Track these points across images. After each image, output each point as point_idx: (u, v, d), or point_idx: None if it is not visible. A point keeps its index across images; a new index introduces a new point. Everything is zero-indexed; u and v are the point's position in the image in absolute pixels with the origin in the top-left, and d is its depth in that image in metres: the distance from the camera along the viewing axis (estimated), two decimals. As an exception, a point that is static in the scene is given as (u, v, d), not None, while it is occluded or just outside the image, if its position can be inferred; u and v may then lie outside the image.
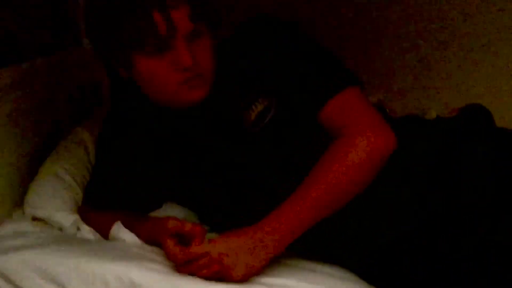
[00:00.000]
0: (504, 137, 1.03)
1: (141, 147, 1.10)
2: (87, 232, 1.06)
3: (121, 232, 1.01)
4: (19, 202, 1.16)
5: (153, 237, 0.97)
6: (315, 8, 1.70)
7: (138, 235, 1.00)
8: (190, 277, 0.88)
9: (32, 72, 1.24)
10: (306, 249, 0.98)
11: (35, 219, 1.10)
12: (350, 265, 0.98)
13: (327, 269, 0.97)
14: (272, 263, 0.91)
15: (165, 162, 1.09)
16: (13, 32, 1.31)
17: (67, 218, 1.08)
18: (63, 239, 1.02)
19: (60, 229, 1.07)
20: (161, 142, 1.09)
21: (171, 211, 1.11)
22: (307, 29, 1.03)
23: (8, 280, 0.93)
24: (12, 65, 1.19)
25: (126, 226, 1.02)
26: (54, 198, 1.14)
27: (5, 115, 1.15)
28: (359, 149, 0.92)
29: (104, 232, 1.04)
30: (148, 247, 0.98)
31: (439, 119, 1.11)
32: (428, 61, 1.73)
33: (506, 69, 1.65)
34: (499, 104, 1.25)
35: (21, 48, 1.33)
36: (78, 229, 1.07)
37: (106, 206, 1.10)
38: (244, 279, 0.88)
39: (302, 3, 1.69)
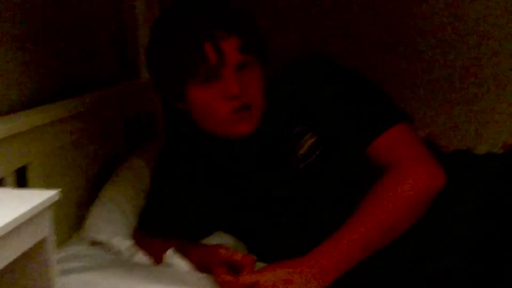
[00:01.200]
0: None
1: (194, 176, 1.14)
2: (142, 257, 1.10)
3: (174, 258, 1.04)
4: (78, 226, 1.23)
5: (204, 264, 0.99)
6: (364, 46, 1.73)
7: (190, 262, 1.03)
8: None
9: (91, 104, 1.32)
10: (353, 284, 0.97)
11: (93, 242, 1.16)
12: None
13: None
14: None
15: (217, 192, 1.12)
16: (75, 64, 1.40)
17: (123, 243, 1.13)
18: (120, 263, 1.06)
19: (117, 253, 1.12)
20: (213, 172, 1.13)
21: (221, 239, 1.14)
22: (355, 66, 1.06)
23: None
24: (73, 98, 1.27)
25: (179, 252, 1.05)
26: (111, 223, 1.19)
27: (67, 144, 1.22)
28: (408, 184, 0.93)
29: (157, 258, 1.07)
30: (200, 274, 1.00)
31: (490, 155, 1.11)
32: (479, 96, 1.71)
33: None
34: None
35: (82, 80, 1.42)
36: (134, 253, 1.11)
37: (160, 232, 1.14)
38: None
39: (350, 41, 1.72)
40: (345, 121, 1.00)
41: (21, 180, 1.05)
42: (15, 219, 0.66)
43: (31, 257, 0.74)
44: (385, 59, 1.72)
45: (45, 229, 0.74)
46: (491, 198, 0.98)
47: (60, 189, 0.73)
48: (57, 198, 0.73)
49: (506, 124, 1.67)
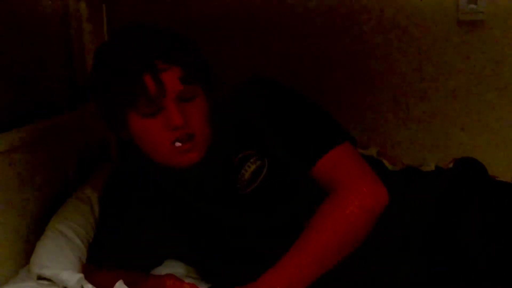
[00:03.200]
0: (498, 187, 1.04)
1: (141, 205, 1.12)
2: (89, 290, 1.07)
3: (123, 291, 1.02)
4: (25, 261, 1.19)
5: None
6: (307, 64, 1.75)
7: None
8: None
9: (39, 133, 1.29)
10: None
11: (40, 278, 1.11)
12: None
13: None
14: None
15: (165, 220, 1.11)
16: (25, 92, 1.37)
17: (72, 277, 1.07)
18: None
19: (65, 288, 1.09)
20: (161, 200, 1.11)
21: (172, 268, 1.12)
22: (298, 85, 1.07)
23: None
24: (20, 127, 1.24)
25: (128, 284, 1.02)
26: (60, 257, 1.15)
27: (12, 176, 1.18)
28: (350, 205, 0.93)
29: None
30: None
31: (437, 171, 1.13)
32: (430, 112, 1.75)
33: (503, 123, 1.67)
34: (493, 157, 1.27)
35: (31, 109, 1.39)
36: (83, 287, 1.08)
37: (109, 264, 1.11)
38: None
39: (292, 59, 1.74)
40: (288, 144, 1.00)
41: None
42: None
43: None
44: (334, 78, 1.74)
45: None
46: (437, 218, 0.99)
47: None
48: None
49: (457, 140, 1.70)
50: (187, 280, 1.00)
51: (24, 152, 1.22)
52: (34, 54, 1.43)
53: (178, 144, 0.98)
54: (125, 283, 1.03)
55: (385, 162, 1.14)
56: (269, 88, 1.05)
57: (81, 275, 1.09)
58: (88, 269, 1.13)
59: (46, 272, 1.10)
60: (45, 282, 1.11)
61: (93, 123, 1.61)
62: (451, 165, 1.13)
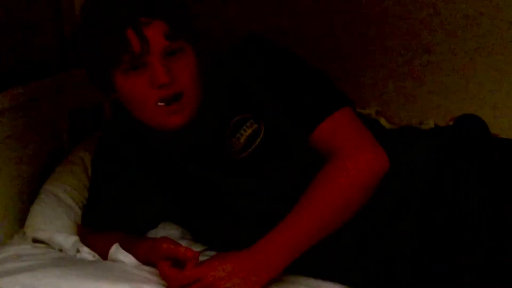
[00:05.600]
0: (499, 145, 1.02)
1: (133, 167, 1.10)
2: (86, 253, 1.06)
3: (119, 254, 1.01)
4: (20, 224, 1.18)
5: (149, 258, 0.97)
6: (304, 24, 1.71)
7: (136, 256, 1.00)
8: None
9: (31, 95, 1.26)
10: (304, 269, 0.97)
11: (36, 241, 1.11)
12: (349, 282, 0.97)
13: (328, 285, 0.97)
14: (273, 281, 0.91)
15: (157, 182, 1.09)
16: (15, 54, 1.33)
17: (67, 240, 1.08)
18: (62, 261, 1.03)
19: (61, 250, 1.08)
20: (153, 162, 1.09)
21: (167, 231, 1.12)
22: (295, 44, 1.03)
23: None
24: (11, 89, 1.21)
25: (124, 247, 1.02)
26: (54, 219, 1.15)
27: (3, 138, 1.16)
28: (350, 171, 0.92)
29: (103, 254, 1.04)
30: (146, 268, 0.98)
31: (436, 129, 1.11)
32: (430, 69, 1.72)
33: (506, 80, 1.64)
34: (496, 114, 1.25)
35: (22, 70, 1.36)
36: (78, 250, 1.07)
37: (104, 227, 1.10)
38: None
39: (288, 18, 1.70)
40: (286, 108, 0.97)
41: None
42: None
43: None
44: (334, 34, 1.70)
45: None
46: (436, 177, 0.98)
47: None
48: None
49: (456, 98, 1.68)
50: (182, 242, 0.99)
51: (15, 114, 1.19)
52: (24, 15, 1.39)
53: (161, 104, 0.94)
54: (121, 246, 1.02)
55: (383, 121, 1.11)
56: (266, 49, 1.01)
57: (77, 237, 1.10)
58: (84, 232, 1.12)
59: (41, 235, 1.11)
60: (40, 245, 1.11)
61: (87, 85, 1.58)
62: (451, 123, 1.11)
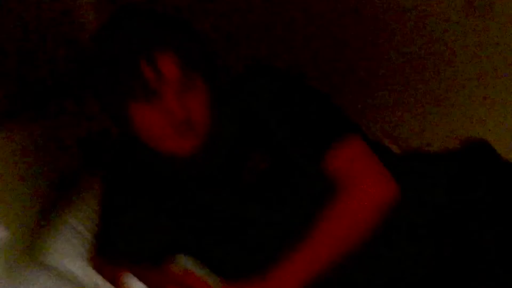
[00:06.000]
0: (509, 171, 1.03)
1: (144, 196, 1.11)
2: (99, 282, 1.06)
3: (132, 283, 1.02)
4: (30, 251, 1.18)
5: (162, 286, 0.98)
6: (310, 50, 1.72)
7: (148, 284, 1.01)
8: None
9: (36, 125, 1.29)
10: None
11: (48, 268, 1.10)
12: None
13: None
14: None
15: (168, 211, 1.10)
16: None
17: (81, 268, 1.09)
18: None
19: (73, 279, 1.08)
20: (163, 191, 1.10)
21: (180, 260, 1.10)
22: (302, 72, 1.04)
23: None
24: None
25: (137, 276, 1.02)
26: (67, 248, 1.15)
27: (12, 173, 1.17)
28: (360, 201, 0.93)
29: (116, 283, 1.04)
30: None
31: (445, 155, 1.11)
32: (435, 92, 1.73)
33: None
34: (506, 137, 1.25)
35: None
36: (91, 279, 1.08)
37: (117, 257, 1.11)
38: None
39: (294, 47, 1.71)
40: (294, 137, 0.98)
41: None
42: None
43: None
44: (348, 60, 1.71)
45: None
46: (447, 207, 0.98)
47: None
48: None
49: (464, 119, 1.68)
50: (195, 271, 1.00)
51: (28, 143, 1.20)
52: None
53: (175, 132, 0.96)
54: (134, 274, 1.03)
55: (394, 148, 1.12)
56: (274, 77, 1.02)
57: (90, 266, 1.10)
58: (97, 261, 1.12)
59: (52, 263, 1.11)
60: (53, 272, 1.10)
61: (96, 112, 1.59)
62: (459, 146, 1.11)
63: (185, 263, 1.10)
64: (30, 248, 1.17)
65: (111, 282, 1.06)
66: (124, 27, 0.97)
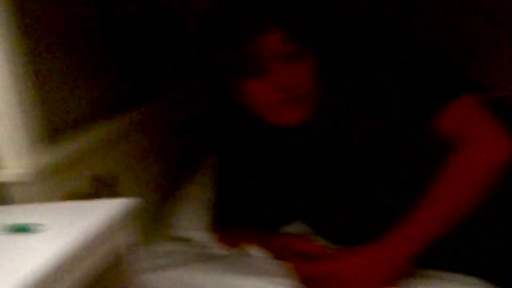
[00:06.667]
0: None
1: (257, 164, 1.16)
2: (222, 249, 1.14)
3: (252, 249, 1.08)
4: (162, 223, 1.30)
5: (281, 254, 1.02)
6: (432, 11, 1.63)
7: (267, 252, 1.06)
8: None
9: (150, 113, 1.40)
10: (432, 260, 0.97)
11: (178, 239, 1.22)
12: (474, 272, 0.96)
13: (454, 276, 0.96)
14: (406, 276, 0.91)
15: (280, 179, 1.14)
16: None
17: (205, 237, 1.19)
18: (205, 258, 1.11)
19: (200, 247, 1.17)
20: (274, 161, 1.14)
21: (296, 226, 1.16)
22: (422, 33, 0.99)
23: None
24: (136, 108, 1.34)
25: (256, 243, 1.09)
26: (194, 219, 1.25)
27: (136, 150, 1.29)
28: (476, 160, 0.91)
29: (236, 249, 1.12)
30: (278, 263, 1.02)
31: None
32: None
33: None
34: None
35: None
36: (215, 246, 1.16)
37: (234, 224, 1.17)
38: None
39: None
40: (405, 98, 0.97)
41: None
42: (107, 224, 0.72)
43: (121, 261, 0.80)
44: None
45: (132, 234, 0.80)
46: None
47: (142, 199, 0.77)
48: (141, 205, 0.78)
49: None
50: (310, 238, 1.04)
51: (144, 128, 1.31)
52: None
53: (285, 104, 0.98)
54: (253, 240, 1.09)
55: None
56: (379, 43, 1.02)
57: (213, 234, 1.19)
58: (217, 229, 1.20)
59: (183, 233, 1.21)
60: (183, 242, 1.21)
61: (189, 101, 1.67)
62: None
63: (299, 229, 1.15)
64: (157, 220, 1.29)
65: (232, 247, 1.13)
66: (233, 6, 1.00)
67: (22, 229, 0.72)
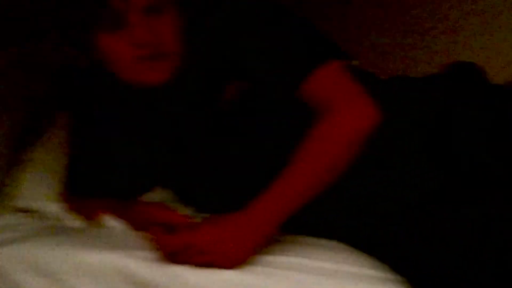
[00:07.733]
0: (498, 94, 1.00)
1: (115, 127, 1.08)
2: (75, 220, 1.05)
3: (108, 220, 1.01)
4: (5, 193, 1.15)
5: (141, 224, 0.96)
6: None
7: (126, 222, 1.00)
8: (188, 266, 0.87)
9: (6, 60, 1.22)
10: (300, 227, 0.97)
11: (24, 210, 1.10)
12: (345, 239, 0.97)
13: (317, 241, 0.97)
14: (271, 242, 0.90)
15: (142, 142, 1.08)
16: None
17: (55, 208, 1.08)
18: (53, 230, 1.02)
19: (49, 219, 1.07)
20: (134, 124, 1.07)
21: (158, 194, 1.10)
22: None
23: (0, 274, 0.93)
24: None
25: (113, 213, 1.01)
26: (42, 188, 1.12)
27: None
28: (341, 127, 0.90)
29: (90, 220, 1.04)
30: (136, 234, 0.96)
31: (430, 78, 1.08)
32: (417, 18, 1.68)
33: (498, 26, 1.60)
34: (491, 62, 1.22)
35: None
36: (65, 217, 1.07)
37: (88, 193, 1.09)
38: (237, 265, 0.86)
39: None
40: (270, 63, 0.94)
41: None
42: None
43: None
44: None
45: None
46: (435, 128, 0.96)
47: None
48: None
49: (442, 45, 1.64)
50: (173, 207, 0.99)
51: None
52: None
53: (141, 60, 0.92)
54: (109, 211, 1.02)
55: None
56: (248, 3, 0.97)
57: (64, 205, 1.08)
58: (69, 199, 1.10)
59: (29, 204, 1.09)
60: (30, 214, 1.09)
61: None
62: (445, 70, 1.08)
63: (161, 196, 1.09)
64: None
65: (85, 219, 1.05)
66: None
67: None
